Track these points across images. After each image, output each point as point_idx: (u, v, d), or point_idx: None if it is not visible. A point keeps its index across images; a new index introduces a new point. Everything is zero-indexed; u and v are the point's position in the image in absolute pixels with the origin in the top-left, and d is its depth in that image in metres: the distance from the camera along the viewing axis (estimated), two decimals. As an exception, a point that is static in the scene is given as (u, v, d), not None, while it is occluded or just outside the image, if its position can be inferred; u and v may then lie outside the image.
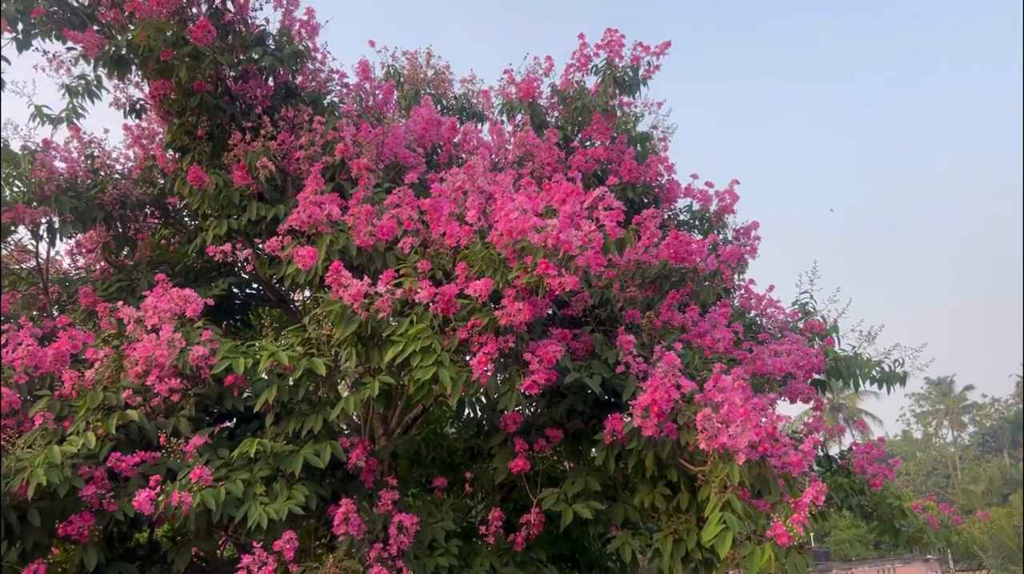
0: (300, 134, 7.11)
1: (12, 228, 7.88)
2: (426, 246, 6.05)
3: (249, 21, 7.27)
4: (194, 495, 5.20)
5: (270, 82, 7.67)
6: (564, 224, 5.09)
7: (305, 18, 7.40)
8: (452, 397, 5.23)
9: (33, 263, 8.55)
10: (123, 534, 6.08)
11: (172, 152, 7.60)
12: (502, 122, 9.14)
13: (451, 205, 5.94)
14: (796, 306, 8.60)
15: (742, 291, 8.21)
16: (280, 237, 6.33)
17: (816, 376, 7.77)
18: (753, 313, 8.15)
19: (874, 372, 8.02)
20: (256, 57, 7.13)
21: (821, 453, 7.67)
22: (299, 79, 7.84)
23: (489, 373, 5.18)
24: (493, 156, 8.25)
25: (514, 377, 5.46)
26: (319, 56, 7.82)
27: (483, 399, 6.28)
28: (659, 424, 5.17)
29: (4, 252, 8.72)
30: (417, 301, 5.43)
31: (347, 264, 5.95)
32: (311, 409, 6.03)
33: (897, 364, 8.11)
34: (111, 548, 5.92)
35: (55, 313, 7.96)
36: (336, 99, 8.08)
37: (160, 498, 5.17)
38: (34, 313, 7.62)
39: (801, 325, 8.26)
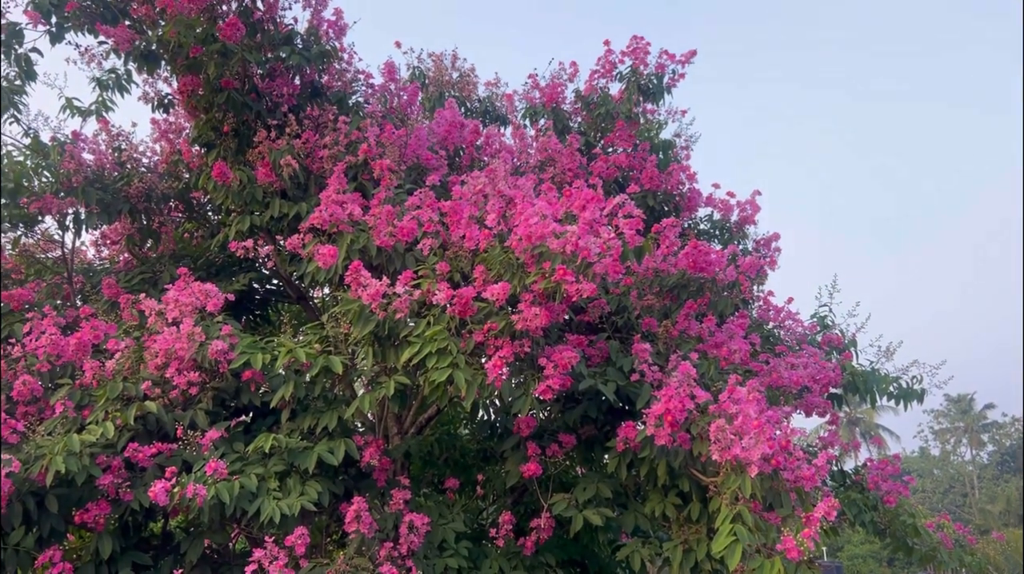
0: (324, 133, 7.17)
1: (39, 218, 8.00)
2: (445, 248, 6.08)
3: (278, 20, 7.33)
4: (208, 488, 5.25)
5: (296, 81, 7.73)
6: (583, 231, 5.10)
7: (333, 18, 7.46)
8: (466, 399, 5.24)
9: (58, 253, 8.67)
10: (138, 524, 6.16)
11: (198, 147, 7.68)
12: (525, 126, 9.17)
13: (471, 208, 5.97)
14: (815, 319, 8.57)
15: (760, 303, 8.19)
16: (302, 235, 6.40)
17: (833, 390, 7.74)
18: (771, 325, 8.13)
19: (891, 388, 7.97)
20: (284, 56, 7.19)
21: (835, 468, 7.63)
22: (325, 79, 7.90)
23: (504, 377, 5.19)
24: (515, 160, 8.27)
25: (529, 381, 5.47)
26: (346, 56, 7.89)
27: (497, 402, 6.28)
28: (672, 434, 5.17)
29: (30, 241, 8.86)
30: (434, 303, 5.46)
31: (367, 264, 6.00)
32: (327, 406, 6.07)
33: (915, 380, 8.06)
34: (126, 537, 6.00)
35: (79, 303, 8.07)
36: (361, 99, 8.13)
37: (175, 490, 5.23)
38: (58, 302, 7.71)
39: (819, 338, 8.23)
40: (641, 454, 5.45)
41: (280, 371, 6.04)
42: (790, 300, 8.04)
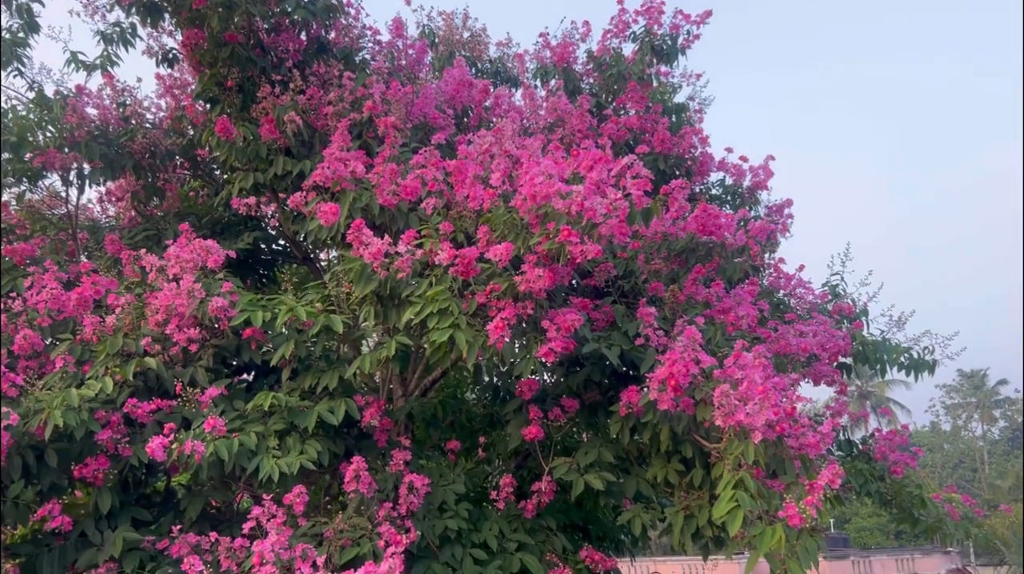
0: (329, 90, 7.04)
1: (43, 173, 7.93)
2: (450, 208, 5.98)
3: (284, -28, 7.17)
4: (207, 445, 5.23)
5: (303, 36, 7.59)
6: (589, 191, 4.98)
7: (338, -29, 7.28)
8: (468, 360, 5.17)
9: (64, 209, 8.61)
10: (138, 480, 6.15)
11: (202, 103, 7.56)
12: (536, 87, 8.99)
13: (477, 168, 5.84)
14: (826, 288, 8.43)
15: (771, 270, 8.06)
16: (304, 193, 6.30)
17: (842, 359, 7.63)
18: (782, 293, 8.01)
19: (902, 358, 7.85)
20: (289, 9, 7.03)
21: (843, 437, 7.54)
22: (332, 34, 7.75)
23: (506, 339, 5.10)
24: (525, 121, 8.12)
25: (531, 344, 5.39)
26: (352, 12, 7.73)
27: (500, 365, 6.21)
28: (675, 398, 5.09)
29: (35, 197, 8.81)
30: (437, 263, 5.37)
31: (370, 223, 5.91)
32: (328, 366, 6.02)
33: (927, 351, 7.93)
34: (126, 493, 5.99)
35: (83, 259, 8.03)
36: (368, 56, 7.99)
37: (173, 446, 5.21)
38: (61, 258, 7.66)
39: (830, 307, 8.10)
40: (644, 419, 5.37)
41: (283, 330, 5.98)
42: (801, 268, 7.90)
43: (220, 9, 6.75)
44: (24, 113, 7.75)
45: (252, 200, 6.57)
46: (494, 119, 7.83)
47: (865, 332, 7.83)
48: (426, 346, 5.44)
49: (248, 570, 5.00)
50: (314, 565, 5.00)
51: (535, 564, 5.77)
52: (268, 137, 6.93)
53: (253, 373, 6.59)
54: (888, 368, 7.95)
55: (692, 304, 6.19)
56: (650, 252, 6.33)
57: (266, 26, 7.36)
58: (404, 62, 8.17)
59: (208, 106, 7.56)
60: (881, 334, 7.71)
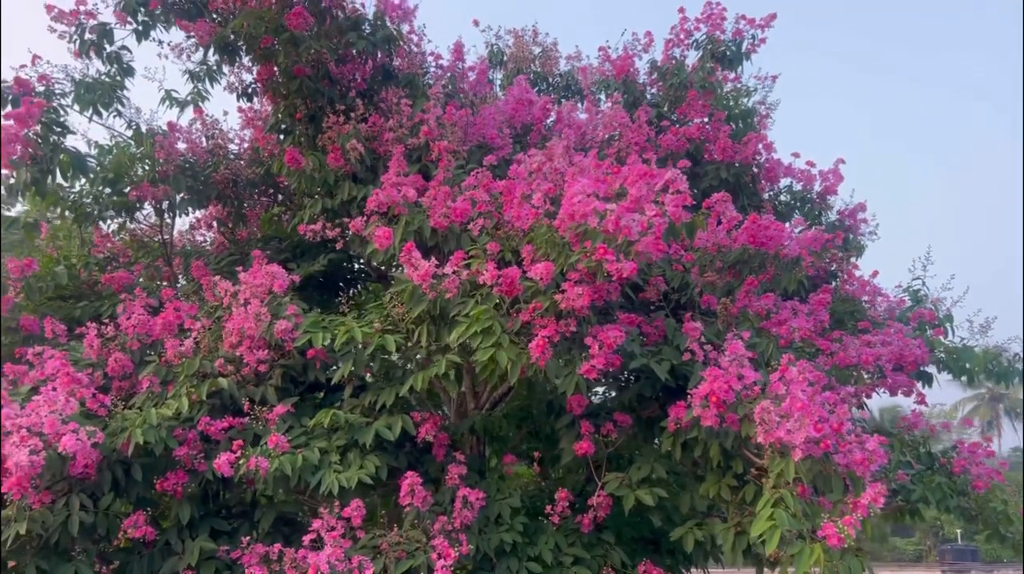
0: (391, 116, 7.31)
1: (138, 205, 8.55)
2: (499, 228, 6.12)
3: (346, 6, 7.51)
4: (272, 460, 5.55)
5: (368, 66, 7.91)
6: (625, 209, 5.02)
7: (397, 2, 7.56)
8: (511, 378, 5.30)
9: (160, 238, 9.25)
10: (216, 493, 6.56)
11: (275, 133, 7.98)
12: (600, 100, 9.04)
13: (525, 187, 5.96)
14: (907, 293, 8.12)
15: (844, 277, 7.84)
16: (366, 217, 6.58)
17: (923, 369, 7.34)
18: (865, 299, 7.78)
19: (989, 366, 7.48)
20: (351, 41, 7.36)
21: (923, 450, 7.23)
22: (397, 62, 8.05)
23: (548, 356, 5.19)
24: (587, 135, 8.18)
25: (575, 360, 5.46)
26: (415, 39, 8.00)
27: (546, 382, 6.29)
28: (720, 414, 5.05)
29: (138, 227, 9.50)
30: (482, 283, 5.52)
31: (422, 245, 6.12)
32: (387, 384, 6.26)
33: (1016, 358, 7.54)
34: (205, 504, 6.41)
35: (181, 284, 8.61)
36: (431, 81, 8.24)
37: (241, 461, 5.55)
38: (155, 284, 8.23)
39: (910, 314, 7.80)
40: (689, 435, 5.36)
41: (351, 349, 6.24)
42: (875, 274, 7.66)
43: (286, 45, 7.14)
44: (123, 149, 8.40)
45: (318, 226, 6.91)
46: (554, 136, 7.93)
47: (946, 339, 7.51)
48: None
49: (309, 580, 5.27)
50: (371, 575, 5.23)
51: (590, 578, 5.82)
52: (334, 165, 7.27)
53: (325, 391, 6.90)
54: (975, 377, 7.59)
55: (745, 317, 6.10)
56: (704, 265, 6.29)
57: (334, 58, 7.71)
58: (465, 85, 8.37)
59: (282, 136, 7.97)
60: (961, 341, 7.37)
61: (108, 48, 7.78)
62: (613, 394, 7.08)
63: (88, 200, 8.40)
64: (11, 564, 5.57)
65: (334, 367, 6.54)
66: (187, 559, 5.83)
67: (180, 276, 8.85)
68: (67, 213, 8.38)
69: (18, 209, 9.18)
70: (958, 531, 40.26)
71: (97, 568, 5.79)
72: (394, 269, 7.18)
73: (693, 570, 8.28)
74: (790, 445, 4.61)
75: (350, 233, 6.71)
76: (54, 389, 5.72)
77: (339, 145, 7.22)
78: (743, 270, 6.16)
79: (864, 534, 4.42)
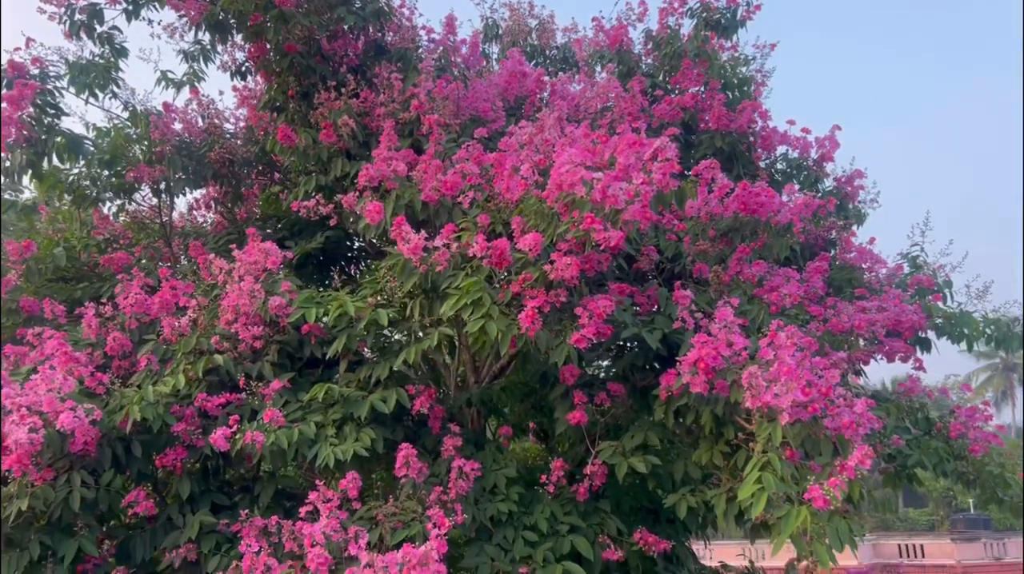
0: (381, 91, 7.30)
1: (136, 186, 8.59)
2: (490, 201, 6.12)
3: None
4: (268, 435, 5.60)
5: (360, 41, 7.89)
6: (611, 177, 5.02)
7: (387, -25, 7.52)
8: (502, 349, 5.33)
9: (160, 219, 9.30)
10: (217, 468, 6.64)
11: (268, 111, 7.98)
12: (595, 71, 8.99)
13: (515, 159, 5.96)
14: (905, 260, 8.08)
15: (843, 244, 7.82)
16: (358, 192, 6.60)
17: (921, 335, 7.32)
18: (864, 266, 7.75)
19: (987, 331, 7.45)
20: (340, 17, 7.33)
21: (921, 416, 7.23)
22: (389, 37, 8.02)
23: (537, 327, 5.22)
24: (581, 107, 8.14)
25: (566, 331, 5.48)
26: (406, 12, 7.96)
27: (537, 353, 6.31)
28: (709, 381, 5.07)
29: (139, 208, 9.54)
30: (473, 255, 5.53)
31: (413, 219, 6.14)
32: (383, 358, 6.30)
33: (1017, 323, 7.50)
34: (206, 480, 6.49)
35: (183, 263, 8.67)
36: (424, 55, 8.20)
37: (237, 436, 5.62)
38: (154, 264, 8.27)
39: (909, 280, 7.77)
40: (680, 402, 5.38)
41: (345, 324, 6.28)
42: (872, 241, 7.62)
43: (275, 21, 7.12)
44: (120, 130, 8.43)
45: (312, 203, 6.93)
46: (545, 108, 7.90)
47: (944, 305, 7.48)
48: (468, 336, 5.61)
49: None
50: (368, 545, 5.29)
51: (585, 545, 5.87)
52: (327, 141, 7.27)
53: (322, 366, 6.95)
54: (974, 342, 7.57)
55: (737, 284, 6.10)
56: (696, 233, 6.28)
57: (325, 34, 7.69)
58: (457, 58, 8.34)
59: (275, 114, 7.97)
60: (958, 306, 7.34)
61: (99, 29, 7.77)
62: (606, 364, 7.11)
63: (86, 182, 8.44)
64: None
65: (331, 343, 6.59)
66: (187, 533, 5.91)
67: (181, 257, 8.91)
68: (66, 195, 8.43)
69: (24, 195, 9.22)
70: (970, 501, 40.31)
71: (100, 543, 5.89)
72: (388, 244, 7.20)
73: (693, 540, 8.39)
74: (777, 409, 4.63)
75: (344, 209, 6.74)
76: (52, 368, 5.79)
77: (331, 121, 7.23)
78: (735, 238, 6.15)
79: (852, 496, 4.43)
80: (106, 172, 8.46)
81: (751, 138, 7.97)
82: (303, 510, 5.52)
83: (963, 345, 7.62)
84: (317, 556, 5.05)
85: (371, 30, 7.84)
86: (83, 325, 6.65)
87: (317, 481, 5.60)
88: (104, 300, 6.97)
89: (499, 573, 5.74)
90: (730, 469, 5.56)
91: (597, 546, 6.02)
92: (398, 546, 5.37)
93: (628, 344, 6.41)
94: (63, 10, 7.65)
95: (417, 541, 5.36)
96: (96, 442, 5.75)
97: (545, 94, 8.35)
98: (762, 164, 8.14)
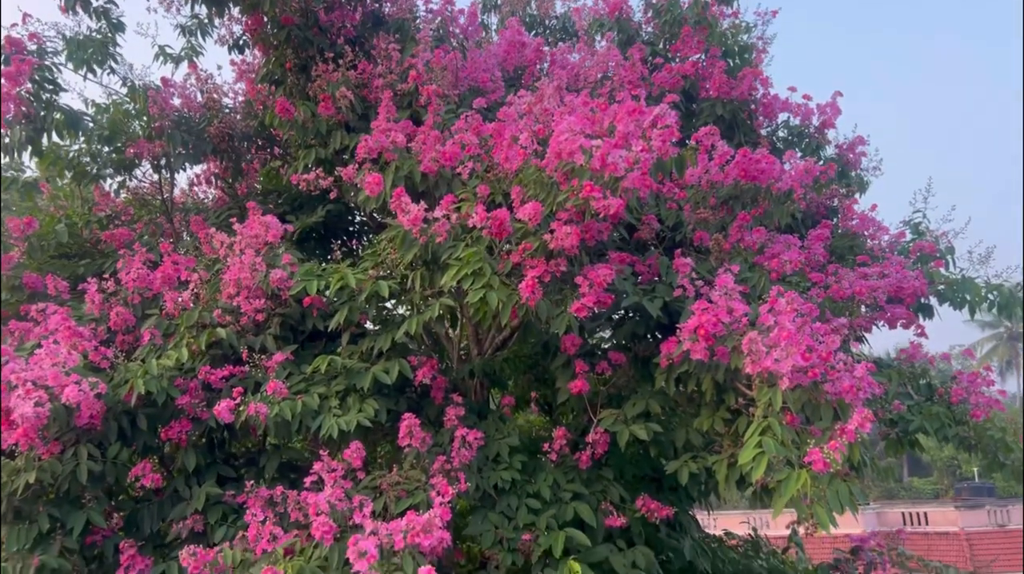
0: (379, 62, 7.26)
1: (136, 162, 8.58)
2: (489, 171, 6.11)
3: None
4: (271, 406, 5.65)
5: (357, 12, 7.83)
6: (612, 145, 5.00)
7: (383, -55, 7.45)
8: (502, 319, 5.34)
9: (162, 195, 9.29)
10: (222, 440, 6.70)
11: (266, 85, 7.95)
12: (595, 41, 8.91)
13: (514, 128, 5.93)
14: (907, 226, 8.06)
15: (844, 211, 7.79)
16: (358, 165, 6.58)
17: (923, 301, 7.32)
18: (866, 234, 7.74)
19: (990, 296, 7.43)
20: (336, -14, 7.28)
21: (923, 382, 7.24)
22: (387, 7, 7.96)
23: (538, 296, 5.22)
24: (581, 76, 8.09)
25: (567, 300, 5.49)
26: (404, -18, 7.89)
27: (538, 323, 6.33)
28: (709, 348, 5.08)
29: (141, 184, 9.54)
30: (472, 226, 5.53)
31: (413, 190, 6.12)
32: (383, 329, 6.32)
33: (1018, 288, 7.48)
34: (212, 452, 6.55)
35: (186, 239, 8.68)
36: (422, 25, 8.14)
37: (241, 408, 5.66)
38: (155, 240, 8.28)
39: (911, 246, 7.76)
40: (680, 369, 5.40)
41: (346, 296, 6.29)
42: (874, 207, 7.60)
43: (271, -6, 7.07)
44: (118, 105, 8.41)
45: (311, 176, 6.92)
46: (544, 78, 7.85)
47: (946, 271, 7.46)
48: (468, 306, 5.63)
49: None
50: (372, 513, 5.34)
51: (588, 512, 5.91)
52: (326, 114, 7.24)
53: (324, 340, 6.98)
54: (976, 308, 7.55)
55: (738, 251, 6.09)
56: (696, 201, 6.26)
57: (322, 5, 7.63)
58: (456, 29, 8.27)
59: (273, 88, 7.94)
60: (960, 272, 7.32)
61: (95, 3, 7.73)
62: (608, 333, 7.12)
63: (87, 159, 8.44)
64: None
65: (333, 315, 6.61)
66: (194, 504, 5.97)
67: (183, 233, 8.92)
68: (66, 172, 8.43)
69: (27, 174, 9.22)
70: (975, 469, 40.51)
71: (108, 515, 5.97)
72: (389, 217, 7.20)
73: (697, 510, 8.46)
74: (777, 374, 4.64)
75: (345, 183, 6.72)
76: (56, 343, 5.82)
77: (329, 94, 7.19)
78: (736, 205, 6.12)
79: (852, 459, 4.45)
80: (106, 148, 8.46)
81: (752, 106, 7.92)
82: (308, 480, 5.57)
83: (965, 311, 7.61)
84: (322, 524, 5.10)
85: (368, 1, 7.78)
86: (86, 301, 6.68)
87: (321, 452, 5.64)
88: (107, 276, 6.99)
89: (503, 540, 5.80)
90: (731, 435, 5.59)
91: (600, 513, 6.06)
92: (402, 514, 5.42)
93: (629, 313, 6.41)
94: (58, -17, 7.60)
95: (421, 509, 5.41)
96: (102, 416, 5.80)
97: (544, 64, 8.30)
98: (763, 132, 8.09)
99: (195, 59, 9.13)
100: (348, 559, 4.79)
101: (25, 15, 7.54)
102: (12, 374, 5.45)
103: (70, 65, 7.88)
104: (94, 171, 8.38)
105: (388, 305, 6.89)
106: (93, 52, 8.02)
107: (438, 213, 5.60)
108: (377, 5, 7.85)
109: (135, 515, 6.20)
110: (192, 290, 6.49)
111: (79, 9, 7.65)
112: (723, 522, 11.74)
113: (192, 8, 8.01)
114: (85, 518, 5.75)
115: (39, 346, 5.85)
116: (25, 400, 5.32)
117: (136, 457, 6.25)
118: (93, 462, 5.75)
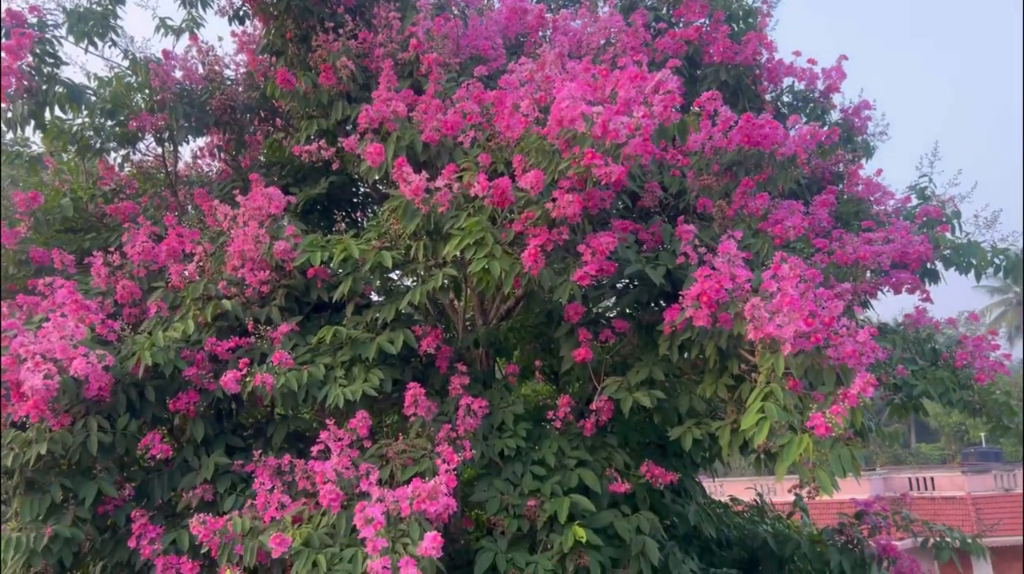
0: (380, 31, 7.20)
1: (139, 134, 8.57)
2: (491, 139, 6.08)
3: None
4: (278, 377, 5.70)
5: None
6: (614, 111, 4.98)
7: (382, -89, 7.35)
8: (504, 287, 5.35)
9: (169, 168, 9.29)
10: (230, 410, 6.77)
11: (267, 55, 7.90)
12: (597, 6, 8.81)
13: (516, 96, 5.90)
14: (913, 191, 8.02)
15: (849, 177, 7.75)
16: (359, 135, 6.56)
17: (929, 266, 7.30)
18: (872, 199, 7.70)
19: (996, 260, 7.41)
20: (337, -45, 7.20)
21: (928, 347, 7.24)
22: (389, -25, 7.86)
23: (540, 265, 5.23)
24: (583, 42, 8.01)
25: (570, 268, 5.49)
26: (405, -51, 7.79)
27: (541, 291, 6.35)
28: (712, 314, 5.09)
29: (145, 158, 9.53)
30: (475, 195, 5.52)
31: (415, 160, 6.11)
32: (388, 299, 6.35)
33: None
34: (220, 423, 6.62)
35: (190, 212, 8.69)
36: (423, -8, 8.06)
37: (247, 379, 5.71)
38: (160, 213, 8.30)
39: (916, 211, 7.72)
40: (683, 336, 5.41)
41: (350, 267, 6.31)
42: (879, 172, 7.55)
43: (270, -38, 7.01)
44: (120, 79, 8.37)
45: (313, 147, 6.90)
46: (548, 45, 7.78)
47: (952, 235, 7.44)
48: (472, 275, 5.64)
49: (319, 489, 5.46)
50: (379, 481, 5.41)
51: (592, 478, 5.98)
52: (327, 84, 7.20)
53: (329, 311, 7.02)
54: (982, 272, 7.53)
55: (741, 218, 6.08)
56: (700, 168, 6.23)
57: (323, -26, 7.55)
58: (458, -6, 8.18)
59: (274, 58, 7.89)
60: (966, 236, 7.29)
61: (93, -25, 7.68)
62: (612, 302, 7.13)
63: (90, 133, 8.43)
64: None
65: (337, 286, 6.63)
66: (202, 474, 6.05)
67: (188, 206, 8.93)
68: (70, 146, 8.43)
69: (31, 149, 9.22)
70: (982, 435, 40.55)
71: (119, 485, 6.05)
72: (391, 188, 7.19)
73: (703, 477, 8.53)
74: (780, 339, 4.65)
75: (347, 154, 6.70)
76: (63, 316, 5.87)
77: (330, 64, 7.14)
78: (739, 171, 6.09)
79: (855, 423, 4.47)
80: (109, 122, 8.43)
81: (756, 71, 7.83)
82: (315, 450, 5.64)
83: (971, 275, 7.59)
84: (329, 492, 5.18)
85: (369, -31, 7.69)
86: (92, 274, 6.73)
87: (328, 421, 5.69)
88: (112, 249, 7.02)
89: (508, 506, 5.87)
90: (735, 401, 5.62)
91: (604, 479, 6.12)
92: (408, 482, 5.49)
93: (633, 281, 6.42)
94: (56, -44, 7.55)
95: (427, 476, 5.47)
96: (110, 388, 5.86)
97: (547, 31, 8.21)
98: (768, 97, 8.01)
99: (196, 31, 9.06)
100: (355, 526, 4.86)
101: (24, -12, 7.50)
102: (21, 347, 5.50)
103: (71, 38, 7.85)
104: (97, 145, 8.36)
105: (392, 276, 6.90)
106: (94, 24, 7.98)
107: (440, 183, 5.59)
108: (378, -27, 7.76)
109: (146, 485, 6.30)
110: (197, 262, 6.52)
111: (77, -20, 7.59)
112: (729, 488, 11.83)
113: (191, -23, 7.92)
114: (96, 488, 5.84)
115: (47, 319, 5.90)
116: (35, 373, 5.38)
117: (145, 428, 6.32)
118: (103, 433, 5.82)
